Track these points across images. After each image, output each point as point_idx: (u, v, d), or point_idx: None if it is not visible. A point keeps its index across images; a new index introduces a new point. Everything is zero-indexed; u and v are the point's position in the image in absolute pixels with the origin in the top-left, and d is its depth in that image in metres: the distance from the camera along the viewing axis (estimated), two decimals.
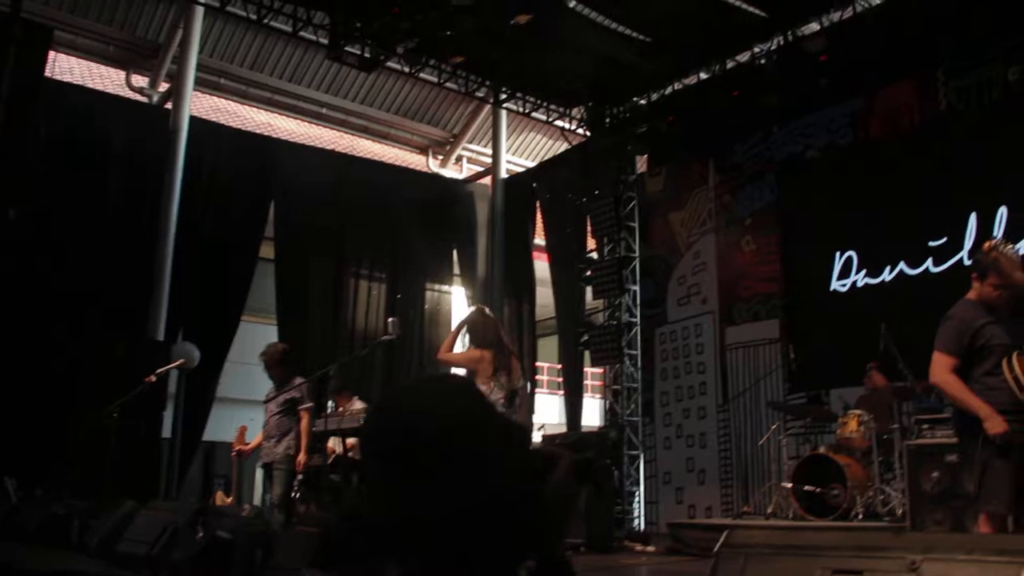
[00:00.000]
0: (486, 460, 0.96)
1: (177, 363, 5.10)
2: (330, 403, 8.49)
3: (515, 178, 14.59)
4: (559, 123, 12.43)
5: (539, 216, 13.96)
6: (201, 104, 13.91)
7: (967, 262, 8.25)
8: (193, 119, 11.72)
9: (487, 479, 0.95)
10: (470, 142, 16.57)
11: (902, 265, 9.43)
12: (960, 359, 4.59)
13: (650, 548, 9.34)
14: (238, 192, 11.91)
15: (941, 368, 4.63)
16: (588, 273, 12.13)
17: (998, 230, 8.47)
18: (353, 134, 15.83)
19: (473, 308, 5.92)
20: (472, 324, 5.68)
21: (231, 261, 11.72)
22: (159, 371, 5.11)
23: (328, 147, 14.68)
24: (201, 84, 13.48)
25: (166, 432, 10.30)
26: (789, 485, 8.18)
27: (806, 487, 7.98)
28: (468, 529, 0.92)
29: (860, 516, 7.61)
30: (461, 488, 0.93)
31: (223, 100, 14.50)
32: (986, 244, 4.57)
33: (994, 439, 4.28)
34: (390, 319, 5.94)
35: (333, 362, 8.43)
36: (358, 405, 7.84)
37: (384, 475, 0.95)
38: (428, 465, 0.93)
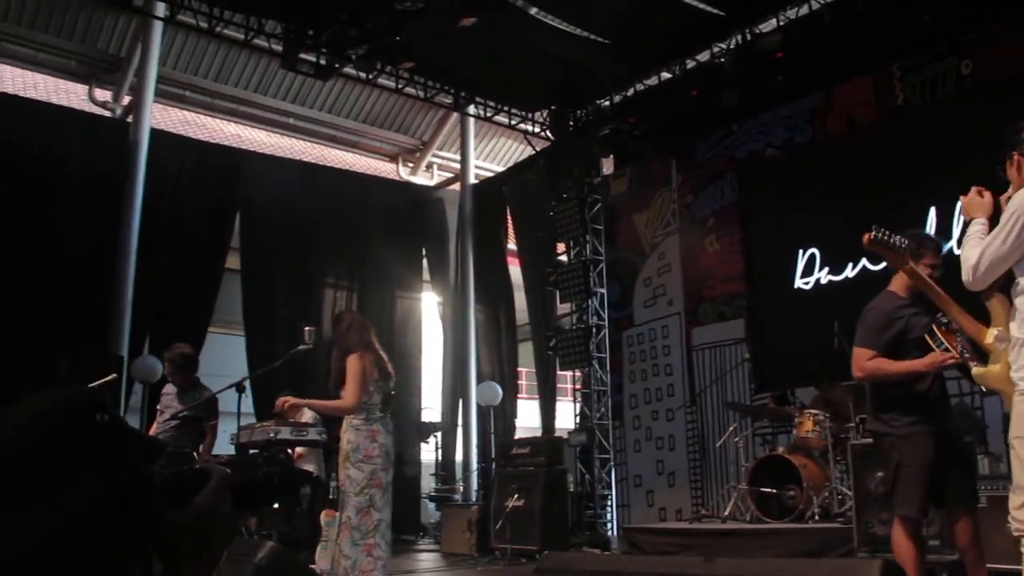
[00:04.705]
0: (71, 484, 0.90)
1: (108, 378, 4.98)
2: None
3: (484, 183, 14.55)
4: (523, 127, 12.37)
5: (510, 221, 13.92)
6: (168, 117, 13.87)
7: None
8: (155, 131, 11.71)
9: (67, 506, 0.89)
10: (440, 149, 16.48)
11: (864, 262, 9.34)
12: (880, 352, 4.43)
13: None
14: (203, 203, 11.94)
15: (860, 360, 4.47)
16: (554, 277, 12.04)
17: (957, 224, 8.40)
18: (322, 144, 15.75)
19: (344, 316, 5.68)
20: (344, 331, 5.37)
21: (197, 272, 11.73)
22: (91, 386, 4.99)
23: (297, 157, 14.63)
24: (166, 97, 13.47)
25: None
26: (746, 487, 8.11)
27: (763, 489, 7.91)
28: (41, 564, 0.86)
29: (816, 517, 7.54)
30: (31, 518, 0.87)
31: (190, 113, 14.43)
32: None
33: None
34: (306, 328, 5.83)
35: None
36: (308, 415, 7.74)
37: None
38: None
